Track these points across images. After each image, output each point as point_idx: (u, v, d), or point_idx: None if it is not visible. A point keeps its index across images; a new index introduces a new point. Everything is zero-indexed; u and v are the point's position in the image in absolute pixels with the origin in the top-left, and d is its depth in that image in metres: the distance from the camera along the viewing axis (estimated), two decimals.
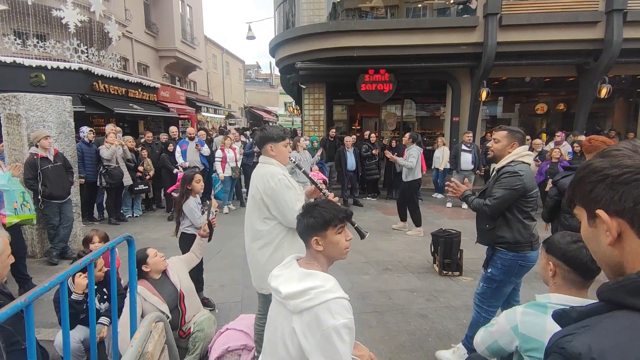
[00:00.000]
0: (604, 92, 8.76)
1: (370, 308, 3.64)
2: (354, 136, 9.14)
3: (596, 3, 8.50)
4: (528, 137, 8.36)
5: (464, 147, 7.85)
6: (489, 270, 2.65)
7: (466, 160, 7.79)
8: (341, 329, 1.26)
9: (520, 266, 2.54)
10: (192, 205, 3.41)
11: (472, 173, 7.96)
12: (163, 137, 8.20)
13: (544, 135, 9.50)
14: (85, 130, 6.64)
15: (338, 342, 1.25)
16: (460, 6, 9.32)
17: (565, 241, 1.46)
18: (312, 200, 2.88)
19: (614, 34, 8.23)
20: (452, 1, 9.89)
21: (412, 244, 5.68)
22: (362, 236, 2.11)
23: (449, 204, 8.21)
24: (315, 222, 1.39)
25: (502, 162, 2.58)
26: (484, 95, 9.05)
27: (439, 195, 9.21)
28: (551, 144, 7.80)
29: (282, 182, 2.23)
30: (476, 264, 4.84)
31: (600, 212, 0.68)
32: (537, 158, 7.41)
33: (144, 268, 2.75)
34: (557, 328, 1.31)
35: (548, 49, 8.80)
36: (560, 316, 0.76)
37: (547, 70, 9.87)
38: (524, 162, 2.53)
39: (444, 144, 9.00)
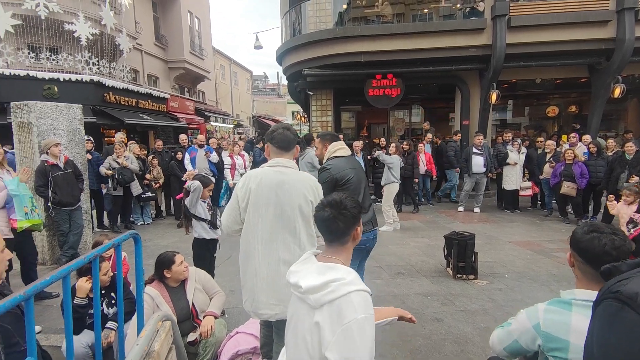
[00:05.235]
0: (617, 92, 8.57)
1: None
2: (362, 141, 9.08)
3: (606, 2, 8.38)
4: (540, 138, 8.21)
5: (475, 150, 7.71)
6: None
7: (478, 163, 7.64)
8: (363, 323, 1.19)
9: (356, 251, 2.96)
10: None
11: (484, 176, 7.81)
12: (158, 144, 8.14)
13: (564, 137, 9.21)
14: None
15: (358, 337, 1.17)
16: (468, 9, 9.27)
17: (581, 231, 1.37)
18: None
19: (626, 33, 8.09)
20: (458, 6, 9.86)
21: (425, 248, 5.55)
22: None
23: (461, 208, 8.05)
24: (358, 211, 1.40)
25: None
26: (494, 97, 8.94)
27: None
28: (565, 145, 7.62)
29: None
30: (491, 267, 4.70)
31: None
32: (551, 159, 7.26)
33: (165, 273, 2.68)
34: (583, 326, 1.23)
35: (558, 50, 8.68)
36: (609, 272, 0.81)
37: (558, 72, 9.72)
38: (336, 157, 2.95)
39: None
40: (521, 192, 7.95)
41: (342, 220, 1.35)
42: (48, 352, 1.61)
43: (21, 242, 3.72)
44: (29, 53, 10.90)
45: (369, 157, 8.70)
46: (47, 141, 4.66)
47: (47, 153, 4.61)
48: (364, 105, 11.41)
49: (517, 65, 9.00)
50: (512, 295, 3.89)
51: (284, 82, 18.47)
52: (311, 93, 10.92)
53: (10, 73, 10.29)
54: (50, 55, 11.18)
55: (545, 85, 10.55)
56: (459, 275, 4.33)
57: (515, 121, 13.30)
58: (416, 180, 8.03)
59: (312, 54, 9.72)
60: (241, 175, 7.86)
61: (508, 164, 7.70)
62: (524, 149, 7.96)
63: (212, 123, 20.87)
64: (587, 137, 7.62)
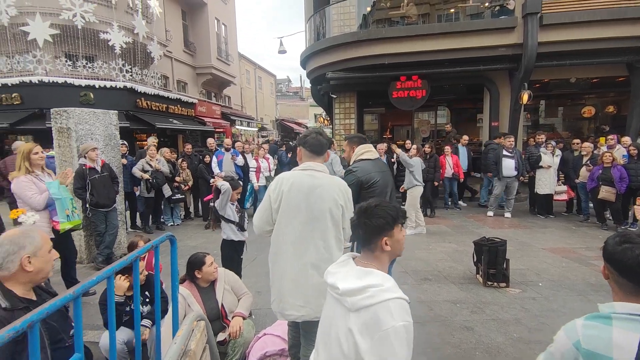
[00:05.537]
0: None
1: None
2: (385, 144, 8.98)
3: None
4: (577, 140, 7.85)
5: (505, 152, 7.47)
6: None
7: (508, 166, 7.39)
8: (401, 331, 1.18)
9: None
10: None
11: (515, 179, 7.55)
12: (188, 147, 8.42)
13: (602, 139, 8.77)
14: None
15: (396, 344, 1.17)
16: (497, 7, 9.02)
17: (613, 242, 1.30)
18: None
19: None
20: (486, 4, 9.62)
21: (453, 254, 5.42)
22: None
23: (490, 213, 7.81)
24: (385, 222, 1.36)
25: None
26: (525, 98, 8.64)
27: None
28: (603, 148, 7.26)
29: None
30: (524, 275, 4.54)
31: None
32: (588, 162, 6.94)
33: (196, 273, 2.76)
34: (626, 341, 1.17)
35: (594, 48, 8.30)
36: None
37: (594, 70, 9.31)
38: (363, 159, 2.98)
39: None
40: (556, 197, 7.63)
41: (362, 228, 1.37)
42: (90, 349, 1.68)
43: (62, 242, 3.90)
44: (66, 61, 11.49)
45: (392, 160, 8.60)
46: (85, 145, 4.88)
47: (85, 157, 4.82)
48: (388, 107, 11.31)
49: (550, 64, 8.69)
50: (547, 305, 3.74)
51: (307, 85, 18.66)
52: (334, 96, 10.94)
53: (49, 80, 10.89)
54: (87, 63, 11.74)
55: (581, 84, 10.11)
56: (489, 283, 4.20)
57: (548, 122, 12.83)
58: (435, 184, 7.88)
59: (336, 57, 9.74)
60: (266, 178, 7.98)
61: (541, 167, 7.42)
62: (558, 152, 7.65)
63: (237, 127, 21.29)
64: (626, 139, 7.23)
